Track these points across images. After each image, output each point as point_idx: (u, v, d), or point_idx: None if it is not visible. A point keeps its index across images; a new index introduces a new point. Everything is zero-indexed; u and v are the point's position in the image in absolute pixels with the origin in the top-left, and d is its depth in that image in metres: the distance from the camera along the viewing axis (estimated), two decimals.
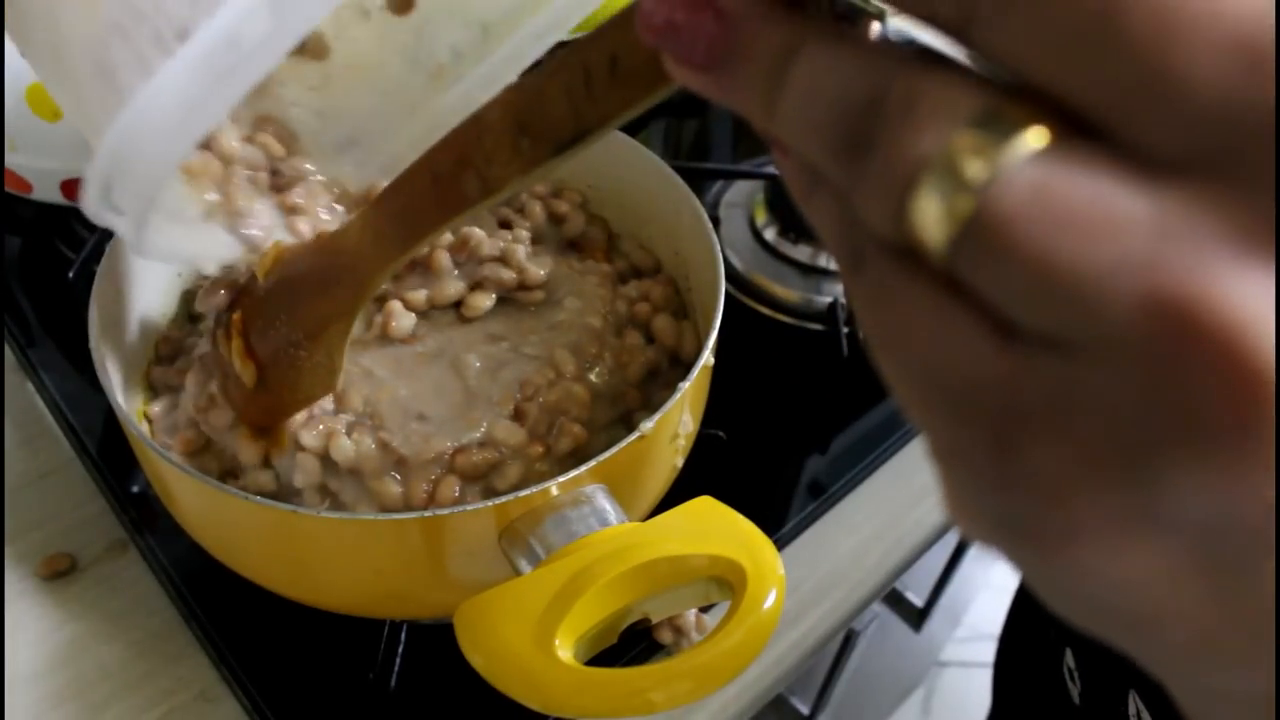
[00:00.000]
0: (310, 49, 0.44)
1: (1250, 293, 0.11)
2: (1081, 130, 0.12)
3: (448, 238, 0.45)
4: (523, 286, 0.45)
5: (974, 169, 0.13)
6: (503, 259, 0.45)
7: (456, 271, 0.45)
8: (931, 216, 0.13)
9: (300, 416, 0.39)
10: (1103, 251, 0.12)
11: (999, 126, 0.13)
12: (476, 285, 0.45)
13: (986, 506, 0.14)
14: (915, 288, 0.14)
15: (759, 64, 0.16)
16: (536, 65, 0.40)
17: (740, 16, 0.16)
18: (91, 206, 0.29)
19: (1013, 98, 0.13)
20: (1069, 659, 0.48)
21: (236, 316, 0.40)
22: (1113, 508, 0.13)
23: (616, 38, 0.20)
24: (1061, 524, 0.13)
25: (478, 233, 0.45)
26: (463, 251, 0.45)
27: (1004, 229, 0.12)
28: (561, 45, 0.38)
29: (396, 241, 0.32)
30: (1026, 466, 0.13)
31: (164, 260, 0.41)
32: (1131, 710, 0.42)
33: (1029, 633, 0.56)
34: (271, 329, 0.38)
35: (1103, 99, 0.12)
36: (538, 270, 0.45)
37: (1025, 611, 0.58)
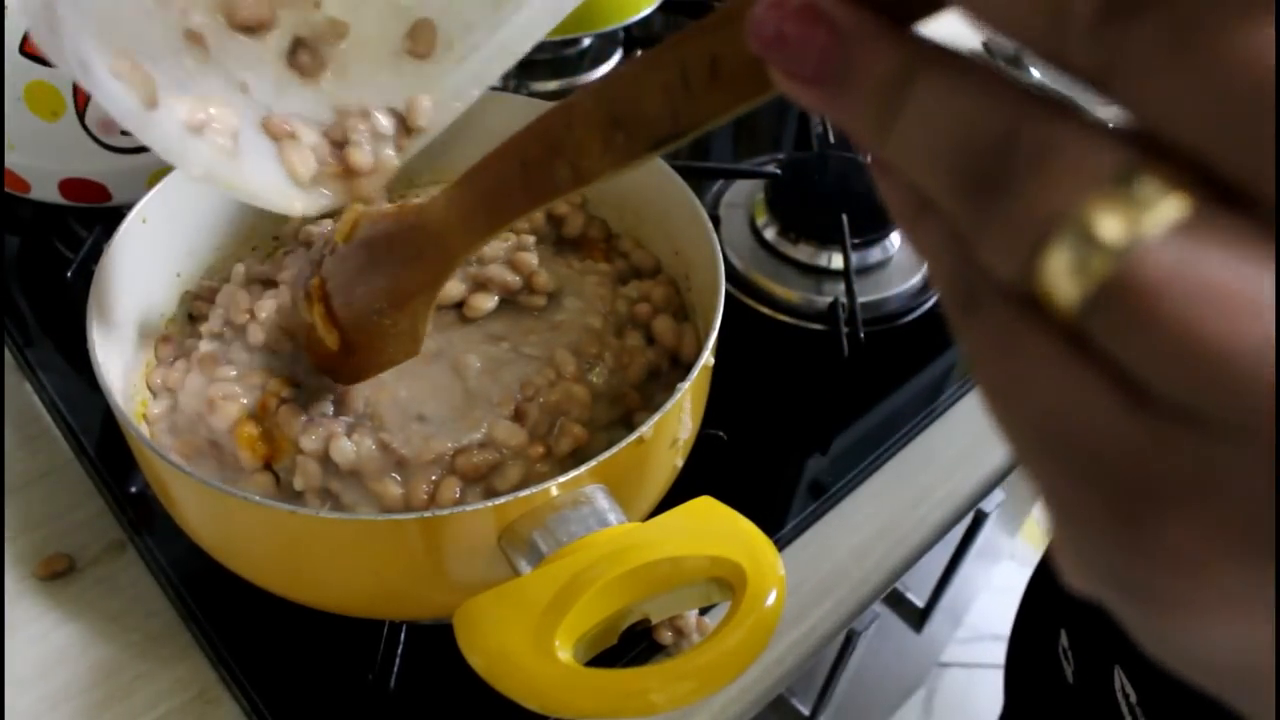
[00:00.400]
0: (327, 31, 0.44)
1: None
2: (1222, 197, 0.12)
3: None
4: (529, 290, 0.45)
5: (1114, 231, 0.12)
6: (511, 263, 0.46)
7: (459, 272, 0.45)
8: (1064, 273, 0.13)
9: (299, 421, 0.39)
10: (1254, 331, 0.11)
11: (1141, 188, 0.12)
12: (479, 286, 0.45)
13: (1102, 565, 0.14)
14: (1039, 339, 0.13)
15: (873, 85, 0.15)
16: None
17: (855, 34, 0.15)
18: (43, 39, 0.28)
19: (1152, 157, 0.12)
20: (1063, 639, 0.49)
21: (317, 282, 0.39)
22: (1241, 584, 0.13)
23: (717, 39, 0.20)
24: (1186, 594, 0.13)
25: None
26: None
27: (1147, 298, 0.12)
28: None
29: (483, 222, 0.32)
30: (1157, 538, 0.13)
31: (160, 146, 0.40)
32: (1117, 685, 0.43)
33: (1034, 625, 0.56)
34: (353, 296, 0.38)
35: (1260, 170, 0.11)
36: (546, 276, 0.45)
37: (1032, 606, 0.58)
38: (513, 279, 0.45)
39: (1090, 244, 0.12)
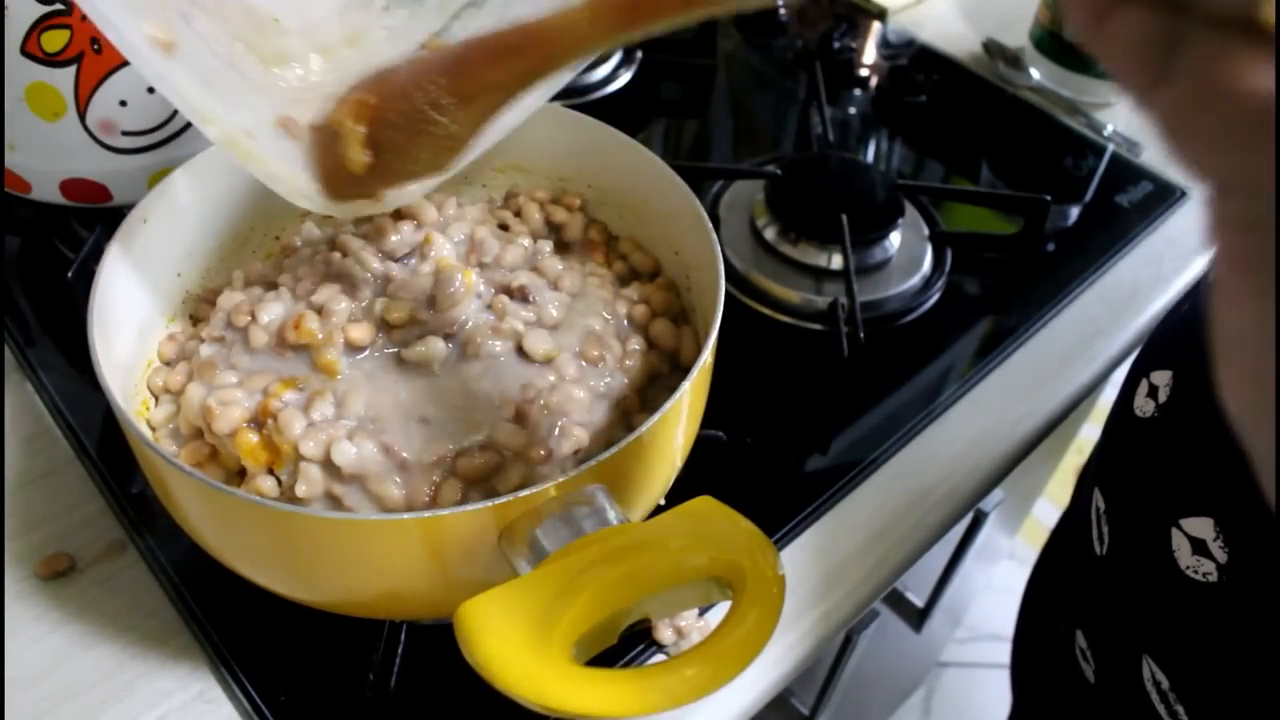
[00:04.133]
0: None
1: None
2: None
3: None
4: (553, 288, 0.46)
5: None
6: (536, 269, 0.47)
7: (479, 295, 0.45)
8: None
9: (299, 426, 0.39)
10: None
11: None
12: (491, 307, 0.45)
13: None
14: (1251, 54, 0.17)
15: None
16: None
17: None
18: None
19: None
20: (1080, 640, 0.49)
21: (368, 100, 0.40)
22: None
23: None
24: None
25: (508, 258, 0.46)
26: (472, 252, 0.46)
27: None
28: None
29: (619, 20, 0.34)
30: None
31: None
32: (1146, 674, 0.43)
33: (1040, 626, 0.56)
34: (414, 92, 0.38)
35: None
36: (570, 279, 0.46)
37: (1036, 607, 0.58)
38: (539, 281, 0.45)
39: None
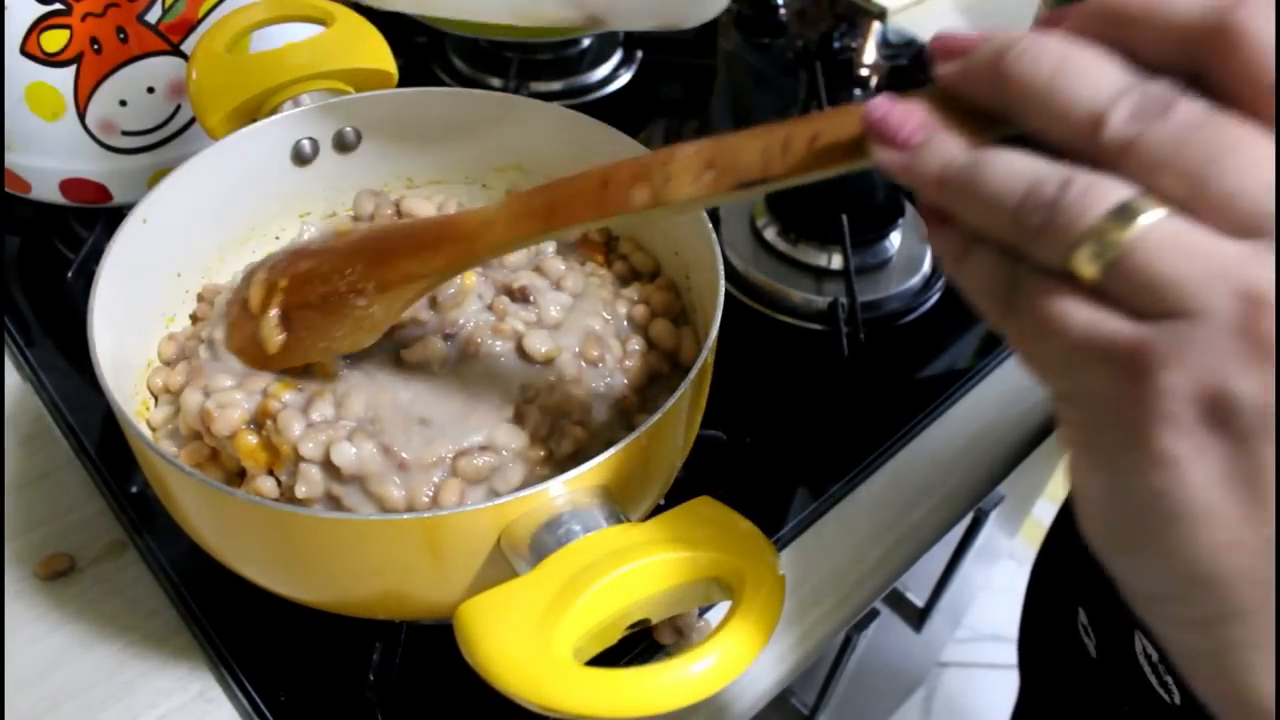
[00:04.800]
0: None
1: (1268, 279, 0.20)
2: (1181, 212, 0.21)
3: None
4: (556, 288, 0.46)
5: (1120, 235, 0.21)
6: (538, 269, 0.47)
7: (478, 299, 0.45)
8: (1088, 259, 0.22)
9: (298, 427, 0.39)
10: (1195, 271, 0.21)
11: (1140, 207, 0.21)
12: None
13: (1114, 415, 0.22)
14: (1070, 296, 0.22)
15: (945, 153, 0.24)
16: None
17: (938, 124, 0.24)
18: None
19: (1143, 192, 0.22)
20: (1082, 617, 0.51)
21: (284, 283, 0.41)
22: (1200, 410, 0.21)
23: (823, 122, 0.26)
24: (1163, 410, 0.21)
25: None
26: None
27: (1140, 266, 0.21)
28: None
29: (535, 225, 0.35)
30: (1161, 383, 0.21)
31: None
32: (1139, 649, 0.45)
33: (1046, 606, 0.58)
34: (333, 278, 0.40)
35: (1198, 205, 0.21)
36: (573, 280, 0.46)
37: (1042, 587, 0.59)
38: (540, 282, 0.45)
39: (1107, 244, 0.22)
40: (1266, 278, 0.20)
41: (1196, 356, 0.21)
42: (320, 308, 0.40)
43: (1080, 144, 0.22)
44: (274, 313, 0.41)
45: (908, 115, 0.24)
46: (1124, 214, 0.22)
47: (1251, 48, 0.21)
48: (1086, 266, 0.22)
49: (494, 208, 0.36)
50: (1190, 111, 0.21)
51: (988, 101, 0.24)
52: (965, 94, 0.25)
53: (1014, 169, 0.23)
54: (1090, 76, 0.22)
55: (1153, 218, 0.21)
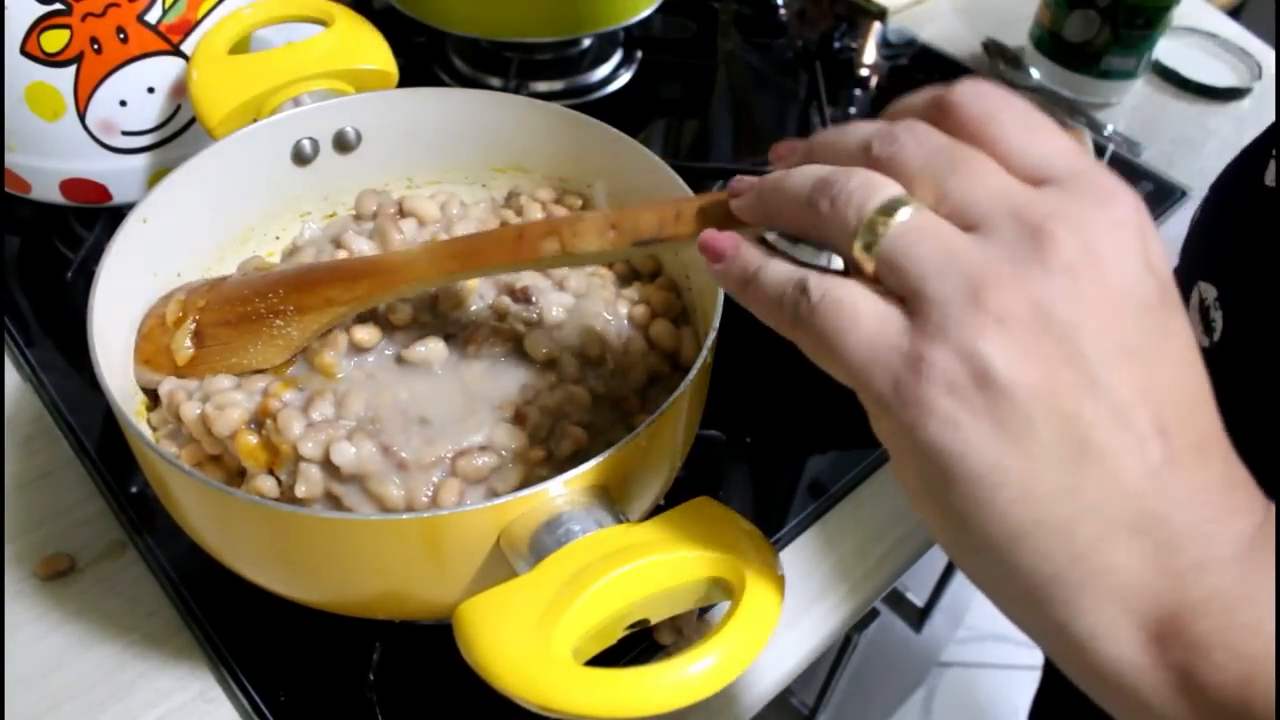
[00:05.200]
0: None
1: (991, 261, 0.25)
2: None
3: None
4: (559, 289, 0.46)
5: (885, 228, 0.27)
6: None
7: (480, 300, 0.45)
8: (862, 249, 0.27)
9: (298, 427, 0.39)
10: (936, 252, 0.26)
11: (900, 201, 0.27)
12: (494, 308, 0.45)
13: (904, 387, 0.26)
14: (860, 287, 0.27)
15: (740, 262, 0.31)
16: None
17: (738, 242, 0.31)
18: None
19: (906, 193, 0.27)
20: None
21: (202, 302, 0.44)
22: (964, 377, 0.25)
23: (705, 201, 0.33)
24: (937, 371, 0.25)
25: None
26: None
27: (898, 252, 0.26)
28: None
29: (454, 265, 0.39)
30: (930, 359, 0.25)
31: None
32: None
33: None
34: (253, 300, 0.43)
35: (942, 207, 0.27)
36: (576, 279, 0.46)
37: None
38: (543, 282, 0.45)
39: (874, 232, 0.27)
40: (990, 261, 0.25)
41: (950, 331, 0.25)
42: (236, 325, 0.43)
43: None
44: (189, 326, 0.43)
45: (721, 240, 0.32)
46: (889, 208, 0.26)
47: (961, 106, 0.28)
48: (864, 258, 0.27)
49: (418, 248, 0.41)
50: (934, 136, 0.27)
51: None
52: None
53: (807, 171, 0.29)
54: (855, 128, 0.29)
55: (908, 213, 0.26)
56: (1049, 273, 0.25)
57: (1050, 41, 0.79)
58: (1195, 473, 0.25)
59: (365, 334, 0.42)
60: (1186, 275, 0.46)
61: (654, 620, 0.33)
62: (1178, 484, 0.25)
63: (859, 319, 0.27)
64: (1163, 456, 0.25)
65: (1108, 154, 0.76)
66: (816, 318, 0.28)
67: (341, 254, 0.47)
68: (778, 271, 0.30)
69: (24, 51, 0.52)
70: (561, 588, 0.31)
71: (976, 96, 0.28)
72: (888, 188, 0.27)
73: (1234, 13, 1.03)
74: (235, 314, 0.43)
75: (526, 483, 0.39)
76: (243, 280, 0.45)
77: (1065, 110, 0.79)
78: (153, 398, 0.44)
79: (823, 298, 0.28)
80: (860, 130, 0.29)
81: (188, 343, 0.43)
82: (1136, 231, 0.26)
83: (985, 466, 0.25)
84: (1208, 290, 0.44)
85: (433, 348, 0.42)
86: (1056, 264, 0.25)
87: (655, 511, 0.35)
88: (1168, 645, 0.24)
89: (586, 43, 0.80)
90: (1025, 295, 0.25)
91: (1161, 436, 0.25)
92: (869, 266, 0.27)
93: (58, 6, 0.51)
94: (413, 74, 0.66)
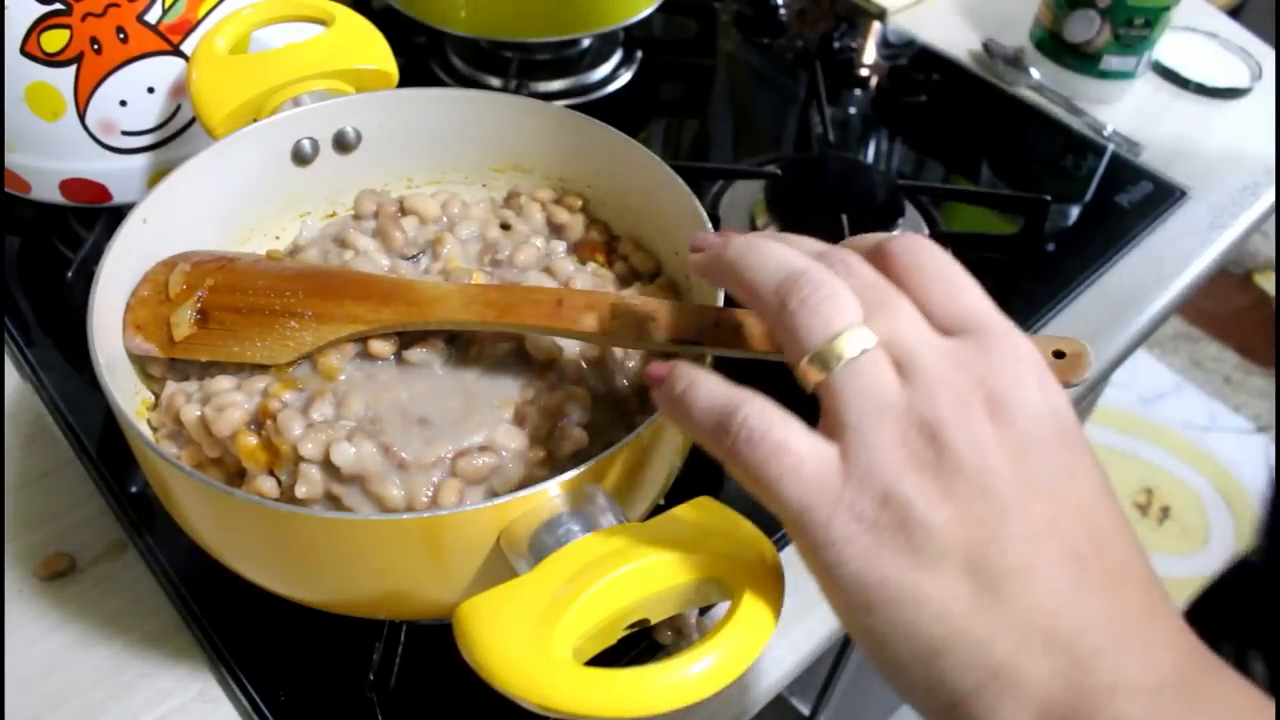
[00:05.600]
0: None
1: (916, 406, 0.29)
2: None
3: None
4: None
5: (836, 351, 0.29)
6: (548, 270, 0.47)
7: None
8: (814, 371, 0.29)
9: (298, 427, 0.39)
10: (881, 399, 0.29)
11: (862, 331, 0.29)
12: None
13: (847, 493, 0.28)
14: (797, 426, 0.29)
15: (672, 383, 0.32)
16: None
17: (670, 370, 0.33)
18: None
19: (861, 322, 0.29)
20: None
21: (212, 281, 0.43)
22: (878, 511, 0.28)
23: (745, 316, 0.37)
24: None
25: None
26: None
27: (839, 385, 0.29)
28: None
29: (487, 312, 0.40)
30: (846, 496, 0.28)
31: None
32: None
33: None
34: (274, 293, 0.42)
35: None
36: (582, 281, 0.46)
37: None
38: (549, 283, 0.45)
39: (825, 359, 0.29)
40: (912, 408, 0.28)
41: (876, 474, 0.27)
42: (246, 314, 0.42)
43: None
44: (194, 301, 0.42)
45: (661, 370, 0.33)
46: (848, 335, 0.28)
47: (896, 255, 0.30)
48: (811, 371, 0.29)
49: (454, 286, 0.41)
50: (871, 273, 0.30)
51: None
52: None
53: (778, 255, 0.31)
54: (801, 241, 0.32)
55: (864, 345, 0.28)
56: (963, 421, 0.27)
57: (1050, 41, 0.79)
58: (1111, 598, 0.27)
59: (381, 346, 0.42)
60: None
61: (654, 620, 0.33)
62: (1092, 607, 0.26)
63: (801, 465, 0.28)
64: (1075, 580, 0.27)
65: (1107, 154, 0.76)
66: (757, 455, 0.29)
67: (348, 254, 0.47)
68: (711, 393, 0.31)
69: (24, 51, 0.52)
70: (561, 588, 0.31)
71: (911, 251, 0.31)
72: (851, 311, 0.29)
73: (1234, 13, 1.03)
74: (247, 303, 0.42)
75: (526, 483, 0.39)
76: (258, 267, 0.44)
77: (1065, 110, 0.79)
78: (146, 379, 0.44)
79: (763, 438, 0.29)
80: (808, 245, 0.32)
81: (190, 315, 0.42)
82: (1038, 381, 0.29)
83: (905, 590, 0.27)
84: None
85: (433, 347, 0.42)
86: (968, 412, 0.27)
87: (656, 511, 0.35)
88: None
89: (586, 43, 0.80)
90: (942, 441, 0.27)
91: (1076, 563, 0.27)
92: (811, 381, 0.29)
93: (58, 6, 0.51)
94: (413, 74, 0.66)
